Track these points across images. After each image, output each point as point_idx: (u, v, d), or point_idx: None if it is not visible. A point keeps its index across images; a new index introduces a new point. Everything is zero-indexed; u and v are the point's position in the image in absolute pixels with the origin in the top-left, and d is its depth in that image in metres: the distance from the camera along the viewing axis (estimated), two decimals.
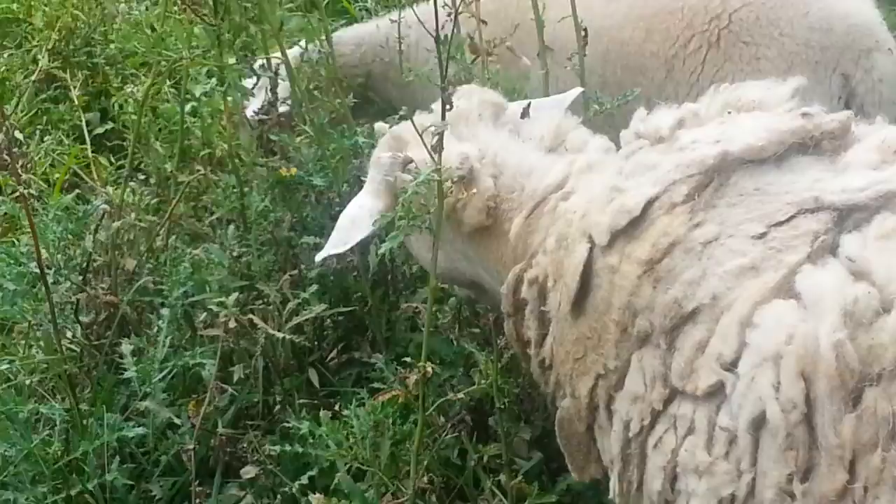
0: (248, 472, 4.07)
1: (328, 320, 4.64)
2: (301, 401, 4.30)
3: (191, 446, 3.96)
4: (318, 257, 3.65)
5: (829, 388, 2.43)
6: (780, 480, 2.50)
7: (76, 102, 6.47)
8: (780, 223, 2.73)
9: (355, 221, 3.59)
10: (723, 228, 2.78)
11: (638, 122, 3.31)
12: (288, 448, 3.91)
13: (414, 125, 3.25)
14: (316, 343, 4.59)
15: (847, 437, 2.41)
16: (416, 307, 4.59)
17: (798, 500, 2.49)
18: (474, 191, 3.46)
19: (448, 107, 3.21)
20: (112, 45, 6.64)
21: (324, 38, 4.74)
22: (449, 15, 3.26)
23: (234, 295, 4.09)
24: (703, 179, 2.87)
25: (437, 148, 3.21)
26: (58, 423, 3.98)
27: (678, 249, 2.79)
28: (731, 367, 2.61)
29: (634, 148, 3.22)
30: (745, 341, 2.60)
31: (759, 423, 2.54)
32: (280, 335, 4.13)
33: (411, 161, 3.41)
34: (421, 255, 3.87)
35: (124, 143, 6.69)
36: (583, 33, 4.27)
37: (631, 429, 2.86)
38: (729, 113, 3.21)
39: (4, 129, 3.63)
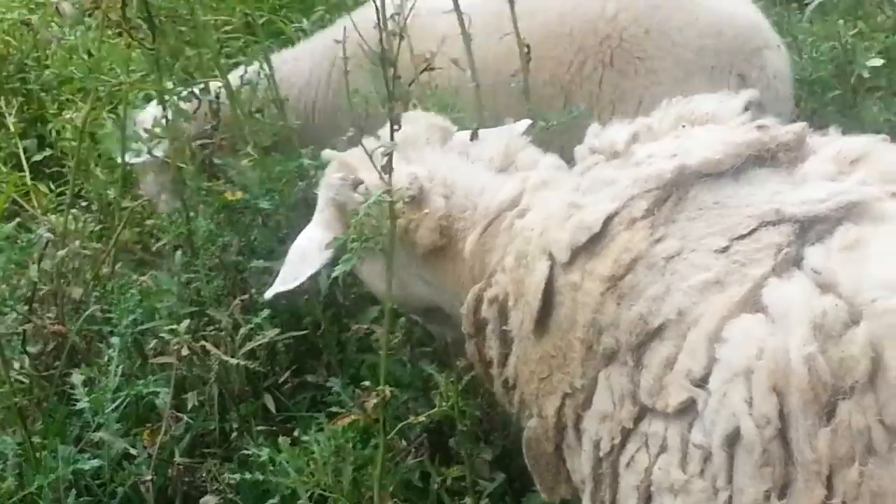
0: (208, 501, 4.01)
1: (280, 344, 4.59)
2: (258, 427, 4.24)
3: (148, 477, 3.90)
4: (269, 294, 3.63)
5: (803, 402, 2.41)
6: (757, 497, 2.48)
7: (12, 129, 6.36)
8: (743, 236, 2.72)
9: (305, 256, 3.59)
10: (685, 243, 2.76)
11: (592, 138, 3.30)
12: (248, 476, 3.85)
13: (363, 146, 3.22)
14: (269, 368, 4.54)
15: (823, 451, 2.39)
16: (368, 328, 4.55)
17: None
18: (426, 211, 3.43)
19: (396, 127, 3.20)
20: (47, 71, 6.53)
21: (263, 59, 4.68)
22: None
23: (186, 322, 4.04)
24: (662, 194, 2.85)
25: (388, 168, 3.17)
26: (10, 457, 3.90)
27: (641, 265, 2.76)
28: (702, 382, 2.58)
29: (590, 163, 3.20)
30: (714, 356, 2.57)
31: (733, 439, 2.51)
32: (234, 361, 4.08)
33: (361, 182, 3.38)
34: (372, 282, 3.83)
35: (63, 170, 6.63)
36: (525, 50, 4.23)
37: (601, 448, 2.83)
38: (683, 126, 3.20)
39: None
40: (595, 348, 2.81)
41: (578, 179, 3.16)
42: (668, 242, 2.77)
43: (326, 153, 3.84)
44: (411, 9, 3.44)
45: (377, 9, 3.27)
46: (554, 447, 3.08)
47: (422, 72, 3.51)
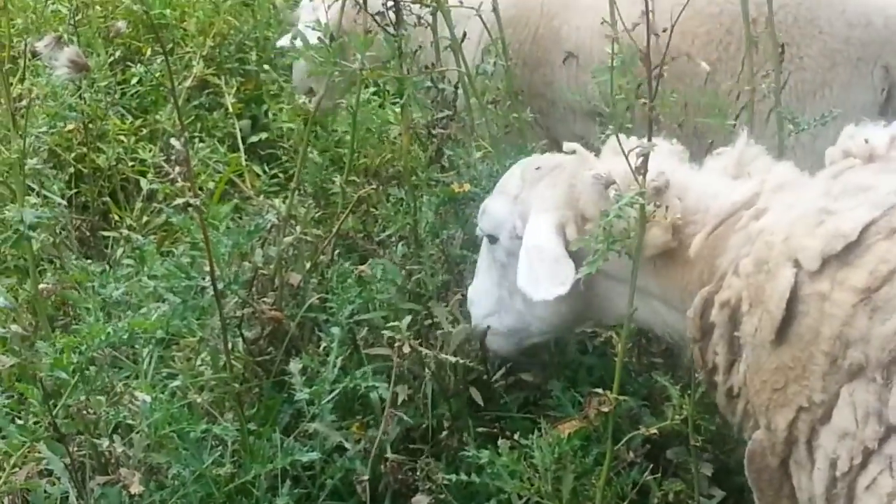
0: (420, 501, 3.93)
1: None
2: (479, 429, 4.14)
3: (365, 477, 3.85)
4: (545, 294, 3.47)
5: None
6: None
7: (230, 110, 6.41)
8: None
9: (558, 259, 3.45)
10: None
11: (847, 139, 3.15)
12: (465, 478, 3.77)
13: (619, 142, 3.14)
14: (483, 366, 4.44)
15: None
16: (592, 331, 4.42)
17: None
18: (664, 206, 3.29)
19: (655, 126, 3.08)
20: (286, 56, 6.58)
21: (501, 49, 4.58)
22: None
23: (408, 318, 3.95)
24: None
25: (642, 169, 3.08)
26: (229, 444, 3.89)
27: None
28: None
29: (843, 167, 3.07)
30: None
31: None
32: (452, 359, 3.99)
33: (614, 182, 3.25)
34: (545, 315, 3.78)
35: (277, 152, 6.66)
36: (780, 49, 4.05)
37: (839, 467, 2.70)
38: None
39: (183, 137, 3.54)
40: (840, 362, 2.70)
41: (829, 183, 3.03)
42: None
43: (568, 145, 3.71)
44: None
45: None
46: (779, 462, 2.96)
47: (658, 65, 3.35)
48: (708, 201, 3.32)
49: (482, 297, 4.01)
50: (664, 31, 3.29)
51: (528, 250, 3.52)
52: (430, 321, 4.32)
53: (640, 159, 3.06)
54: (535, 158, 3.90)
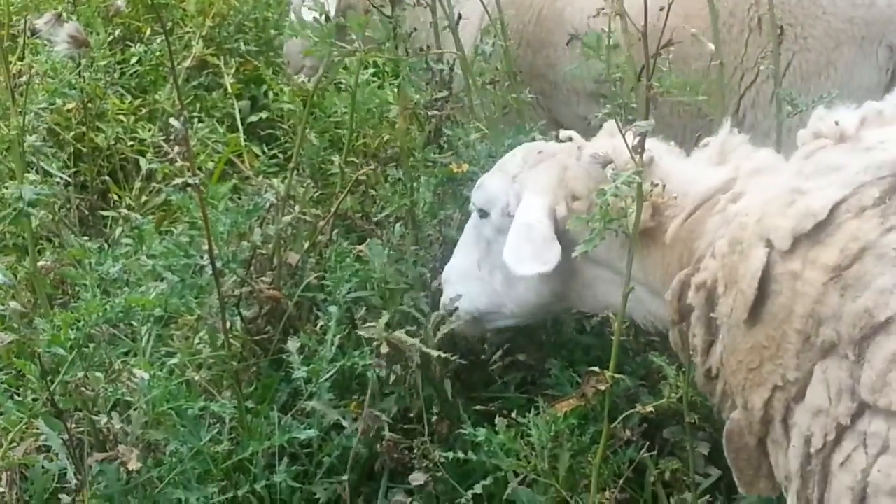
0: (417, 478, 3.93)
1: None
2: (476, 407, 4.15)
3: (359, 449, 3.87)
4: (526, 270, 3.52)
5: None
6: None
7: (230, 90, 6.41)
8: None
9: (546, 239, 3.50)
10: None
11: (817, 121, 3.14)
12: (461, 455, 3.78)
13: (617, 123, 3.16)
14: (481, 346, 4.45)
15: None
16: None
17: None
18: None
19: (652, 106, 3.08)
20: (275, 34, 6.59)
21: (500, 29, 4.58)
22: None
23: (386, 316, 4.03)
24: (895, 181, 2.74)
25: (639, 149, 3.10)
26: (227, 421, 3.90)
27: (869, 255, 2.66)
28: None
29: (814, 148, 3.06)
30: None
31: None
32: (434, 354, 3.96)
33: (612, 162, 3.26)
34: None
35: (276, 132, 6.66)
36: (778, 31, 4.05)
37: (813, 444, 2.72)
38: None
39: (182, 117, 3.54)
40: (813, 340, 2.72)
41: (801, 163, 3.04)
42: None
43: (565, 133, 3.74)
44: None
45: None
46: (757, 441, 2.99)
47: (664, 46, 3.35)
48: (687, 186, 3.35)
49: (459, 275, 4.05)
50: (661, 9, 3.29)
51: (517, 227, 3.57)
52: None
53: (638, 138, 3.07)
54: (539, 144, 3.93)
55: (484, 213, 3.87)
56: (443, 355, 3.97)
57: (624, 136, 3.08)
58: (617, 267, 3.49)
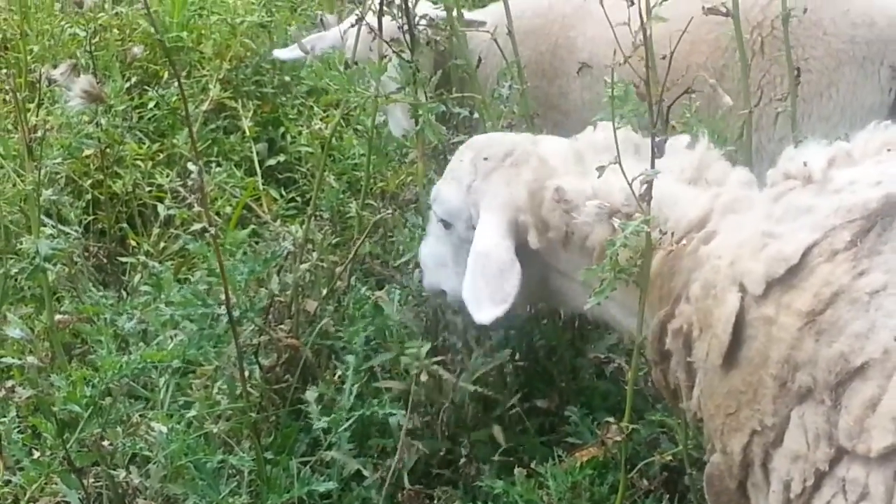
0: None
1: (510, 366, 4.47)
2: (494, 458, 4.12)
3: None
4: (484, 317, 3.47)
5: None
6: None
7: (247, 133, 6.41)
8: None
9: (503, 270, 3.47)
10: (890, 277, 2.63)
11: (786, 162, 3.14)
12: None
13: (623, 172, 3.07)
14: (499, 392, 4.41)
15: None
16: (606, 357, 4.40)
17: None
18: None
19: (658, 153, 3.08)
20: (302, 81, 6.58)
21: (516, 73, 4.57)
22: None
23: (427, 345, 3.94)
24: (866, 224, 2.74)
25: (646, 197, 3.09)
26: (246, 473, 3.88)
27: (842, 300, 2.65)
28: None
29: (783, 189, 3.06)
30: None
31: None
32: (471, 388, 3.98)
33: (618, 212, 3.22)
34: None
35: (294, 175, 6.65)
36: (795, 73, 4.03)
37: (792, 489, 2.70)
38: (889, 151, 3.05)
39: (199, 166, 3.54)
40: (789, 385, 2.71)
41: (771, 206, 3.03)
42: (873, 276, 2.66)
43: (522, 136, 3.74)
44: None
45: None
46: (737, 484, 2.96)
47: (684, 93, 3.35)
48: (667, 211, 3.29)
49: (435, 264, 4.02)
50: (663, 57, 3.28)
51: (475, 258, 3.52)
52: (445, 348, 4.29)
53: (645, 186, 3.06)
54: (484, 143, 3.86)
55: (447, 224, 3.82)
56: (478, 390, 4.03)
57: (630, 184, 3.07)
58: (590, 285, 3.44)
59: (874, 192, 2.78)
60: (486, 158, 3.70)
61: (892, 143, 3.07)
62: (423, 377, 3.85)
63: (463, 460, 4.15)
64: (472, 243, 3.57)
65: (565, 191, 3.41)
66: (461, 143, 4.25)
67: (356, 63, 4.35)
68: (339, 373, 4.26)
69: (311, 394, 4.07)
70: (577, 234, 3.40)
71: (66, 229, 5.43)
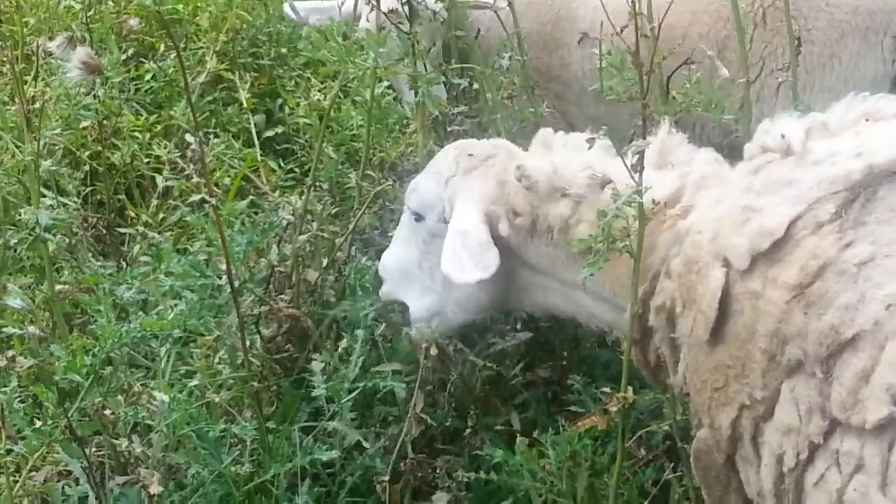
0: (440, 498, 3.91)
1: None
2: (497, 427, 4.14)
3: (385, 477, 3.84)
4: (468, 277, 3.50)
5: None
6: None
7: (245, 104, 6.39)
8: None
9: (482, 244, 3.50)
10: (877, 248, 2.63)
11: (763, 135, 3.14)
12: (483, 476, 3.76)
13: (613, 144, 3.17)
14: (501, 362, 4.41)
15: None
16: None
17: None
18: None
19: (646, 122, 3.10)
20: (299, 53, 6.54)
21: (516, 45, 4.55)
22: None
23: (436, 321, 3.93)
24: (850, 195, 2.74)
25: (638, 167, 3.08)
26: (248, 442, 3.88)
27: (830, 272, 2.65)
28: None
29: (761, 162, 3.06)
30: None
31: None
32: (480, 362, 4.00)
33: (610, 182, 3.22)
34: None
35: (292, 147, 6.63)
36: (796, 43, 4.02)
37: (785, 463, 2.70)
38: (867, 121, 3.06)
39: (198, 138, 3.54)
40: (779, 359, 2.71)
41: (750, 179, 3.03)
42: (860, 247, 2.66)
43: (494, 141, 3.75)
44: None
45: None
46: (726, 458, 2.97)
47: (678, 67, 3.33)
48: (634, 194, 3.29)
49: (399, 273, 4.05)
50: (651, 28, 3.26)
51: (453, 234, 3.55)
52: None
53: (636, 157, 3.05)
54: (470, 143, 3.91)
55: (419, 217, 3.85)
56: (487, 364, 4.08)
57: (622, 156, 3.09)
58: (558, 276, 3.53)
59: (856, 164, 2.77)
60: (471, 155, 3.74)
61: (871, 114, 3.06)
62: (434, 351, 3.84)
63: (469, 430, 4.15)
64: (441, 238, 3.61)
65: (526, 167, 3.45)
66: (461, 113, 4.25)
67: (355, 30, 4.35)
68: (341, 344, 4.24)
69: (316, 364, 4.05)
70: (541, 216, 3.45)
71: (65, 200, 5.41)
